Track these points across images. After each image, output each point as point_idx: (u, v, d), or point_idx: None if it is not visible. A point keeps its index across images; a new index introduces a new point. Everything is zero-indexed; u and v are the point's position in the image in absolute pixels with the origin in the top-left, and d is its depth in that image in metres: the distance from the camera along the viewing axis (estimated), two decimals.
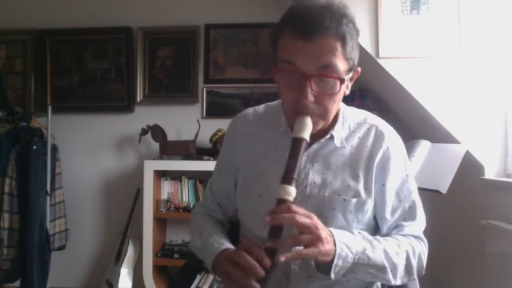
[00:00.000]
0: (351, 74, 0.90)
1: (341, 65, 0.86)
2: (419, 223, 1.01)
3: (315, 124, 0.90)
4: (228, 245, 0.98)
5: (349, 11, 0.89)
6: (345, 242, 0.86)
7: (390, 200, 0.99)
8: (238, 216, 1.09)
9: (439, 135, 2.14)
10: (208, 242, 1.00)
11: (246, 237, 1.02)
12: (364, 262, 0.88)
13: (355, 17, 0.90)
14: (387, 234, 1.00)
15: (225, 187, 1.11)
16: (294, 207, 0.82)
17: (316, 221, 0.83)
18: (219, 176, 1.13)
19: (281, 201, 0.84)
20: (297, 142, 0.87)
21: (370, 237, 0.92)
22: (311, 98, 0.86)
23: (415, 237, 0.99)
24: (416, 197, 1.01)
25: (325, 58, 0.84)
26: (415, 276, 0.96)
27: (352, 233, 0.91)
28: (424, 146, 1.99)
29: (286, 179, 0.84)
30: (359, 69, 0.94)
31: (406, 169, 1.01)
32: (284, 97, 0.93)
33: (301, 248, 0.83)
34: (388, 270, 0.90)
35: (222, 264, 0.90)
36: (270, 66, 0.92)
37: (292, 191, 0.84)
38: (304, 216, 0.82)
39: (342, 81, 0.86)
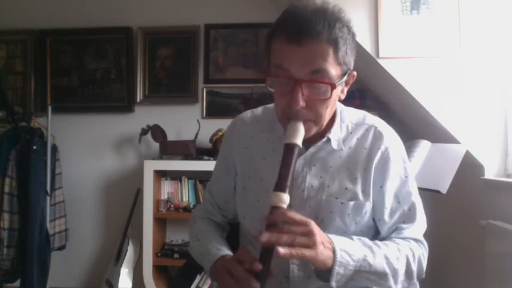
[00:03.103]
0: (344, 79, 0.87)
1: (333, 70, 0.84)
2: (419, 226, 0.98)
3: (308, 130, 0.88)
4: (226, 251, 0.97)
5: (344, 14, 0.87)
6: (346, 249, 0.84)
7: (389, 202, 0.97)
8: (238, 219, 1.09)
9: (439, 135, 2.13)
10: (207, 248, 0.99)
11: (244, 247, 0.98)
12: (366, 269, 0.86)
13: (351, 19, 0.88)
14: (386, 237, 0.98)
15: (225, 190, 1.10)
16: (290, 214, 0.80)
17: (312, 227, 0.80)
18: (218, 180, 1.12)
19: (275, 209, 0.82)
20: (289, 148, 0.85)
21: (370, 243, 0.90)
22: (302, 103, 0.84)
23: (415, 240, 0.97)
24: (416, 199, 0.99)
25: (316, 63, 0.82)
26: (415, 280, 0.95)
27: (351, 239, 0.89)
28: (424, 146, 1.99)
29: (279, 186, 0.82)
30: (354, 73, 0.92)
31: (406, 170, 0.99)
32: (276, 102, 0.91)
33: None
34: (390, 276, 0.89)
35: (219, 273, 0.90)
36: (265, 71, 0.90)
37: (285, 198, 0.81)
38: (298, 224, 0.80)
39: (333, 86, 0.84)
